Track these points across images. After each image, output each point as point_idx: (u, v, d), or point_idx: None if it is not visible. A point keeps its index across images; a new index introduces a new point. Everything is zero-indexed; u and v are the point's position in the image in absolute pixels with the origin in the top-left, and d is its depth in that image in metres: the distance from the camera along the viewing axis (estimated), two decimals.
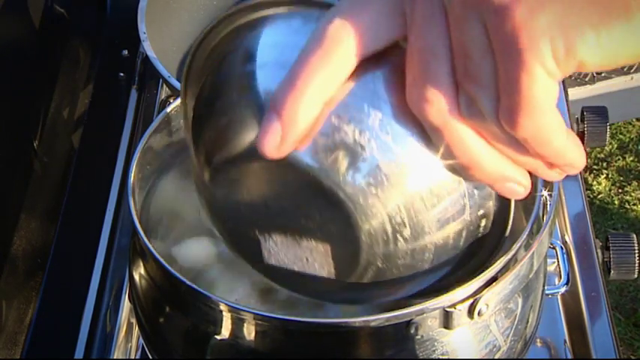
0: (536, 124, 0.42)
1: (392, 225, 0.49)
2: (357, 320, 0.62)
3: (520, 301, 0.67)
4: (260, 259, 0.55)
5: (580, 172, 0.96)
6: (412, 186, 0.48)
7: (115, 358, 0.84)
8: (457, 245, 0.52)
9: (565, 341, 0.84)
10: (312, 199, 0.49)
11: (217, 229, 0.59)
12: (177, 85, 0.94)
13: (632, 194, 1.81)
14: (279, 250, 0.53)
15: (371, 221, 0.48)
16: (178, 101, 0.77)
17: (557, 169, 0.46)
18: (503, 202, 0.53)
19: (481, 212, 0.52)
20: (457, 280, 0.58)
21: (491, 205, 0.52)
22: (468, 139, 0.44)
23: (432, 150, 0.47)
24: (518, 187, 0.47)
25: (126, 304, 0.87)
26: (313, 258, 0.52)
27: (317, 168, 0.47)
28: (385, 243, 0.49)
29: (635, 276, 0.88)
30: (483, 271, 0.58)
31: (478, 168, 0.46)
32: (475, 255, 0.55)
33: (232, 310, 0.63)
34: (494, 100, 0.42)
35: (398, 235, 0.49)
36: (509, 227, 0.54)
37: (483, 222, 0.52)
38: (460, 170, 0.47)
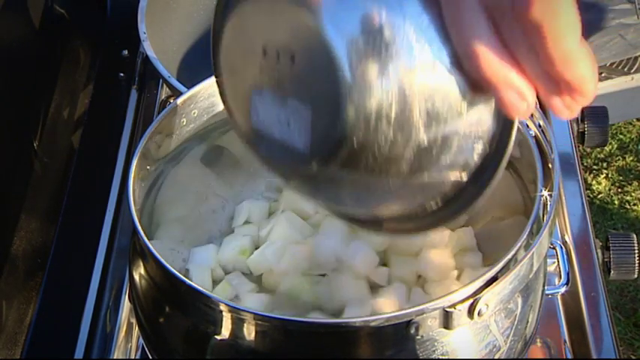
0: (549, 5, 0.41)
1: (380, 97, 0.47)
2: (357, 320, 0.62)
3: (520, 301, 0.67)
4: (247, 119, 0.54)
5: (580, 172, 0.96)
6: (411, 64, 0.46)
7: (115, 358, 0.84)
8: (441, 155, 0.49)
9: (565, 341, 0.84)
10: (309, 51, 0.48)
11: (220, 89, 0.58)
12: (177, 85, 0.94)
13: (632, 194, 1.81)
14: (266, 109, 0.52)
15: (360, 87, 0.47)
16: (178, 101, 0.77)
17: (566, 96, 0.45)
18: (503, 135, 0.51)
19: (477, 131, 0.50)
20: (436, 221, 0.56)
21: (489, 126, 0.50)
22: (480, 19, 0.44)
23: (442, 32, 0.46)
24: (520, 101, 0.46)
25: (126, 304, 0.87)
26: (295, 122, 0.51)
27: (321, 17, 0.46)
28: (367, 119, 0.47)
29: (635, 276, 0.88)
30: (465, 209, 0.55)
31: (484, 58, 0.44)
32: (461, 192, 0.53)
33: (232, 310, 0.63)
34: None
35: (382, 115, 0.47)
36: (502, 165, 0.52)
37: (479, 146, 0.50)
38: (466, 58, 0.46)
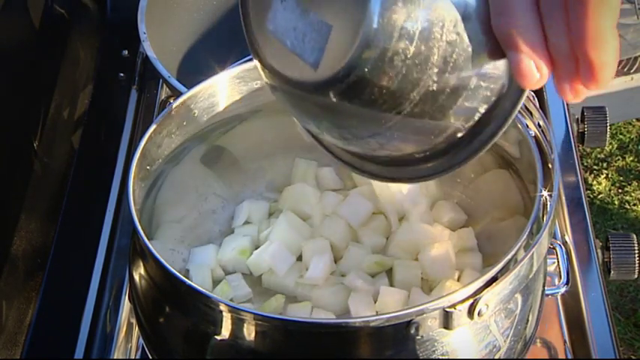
0: None
1: (400, 33, 0.47)
2: (357, 320, 0.62)
3: (520, 301, 0.67)
4: (264, 23, 0.54)
5: (580, 172, 0.96)
6: (441, 10, 0.47)
7: (115, 358, 0.84)
8: (445, 105, 0.50)
9: (565, 341, 0.84)
10: None
11: None
12: (177, 85, 0.94)
13: (632, 194, 1.80)
14: (285, 16, 0.52)
15: (385, 20, 0.47)
16: (179, 101, 0.77)
17: (578, 82, 0.46)
18: (507, 104, 0.51)
19: (486, 92, 0.50)
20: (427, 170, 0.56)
21: (497, 90, 0.50)
22: None
23: None
24: (535, 71, 0.46)
25: (126, 304, 0.87)
26: (311, 37, 0.51)
27: None
28: (384, 50, 0.47)
29: (635, 276, 0.88)
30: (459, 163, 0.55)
31: (516, 20, 0.44)
32: (451, 149, 0.53)
33: (232, 310, 0.63)
34: None
35: (400, 50, 0.47)
36: (498, 133, 0.52)
37: (482, 108, 0.51)
38: (497, 15, 0.46)
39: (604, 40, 0.44)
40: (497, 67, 0.49)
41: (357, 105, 0.50)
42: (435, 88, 0.49)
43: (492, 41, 0.47)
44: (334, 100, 0.50)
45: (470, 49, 0.48)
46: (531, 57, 0.46)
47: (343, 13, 0.49)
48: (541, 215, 0.68)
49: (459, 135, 0.52)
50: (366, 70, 0.48)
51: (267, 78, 0.55)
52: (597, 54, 0.44)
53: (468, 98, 0.50)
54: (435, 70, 0.48)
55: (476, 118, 0.51)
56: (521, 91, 0.50)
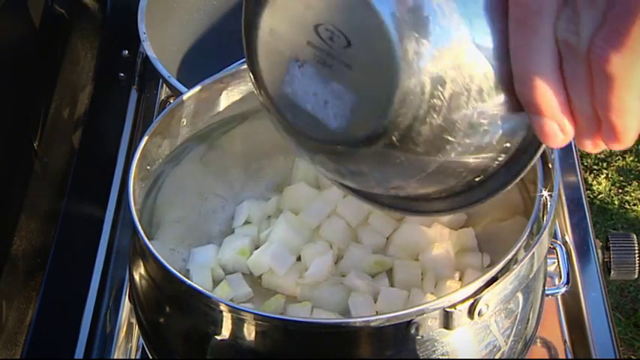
0: (628, 61, 0.41)
1: (428, 105, 0.47)
2: (358, 320, 0.62)
3: (520, 301, 0.67)
4: (279, 83, 0.53)
5: (580, 172, 0.96)
6: (467, 65, 0.46)
7: (115, 358, 0.84)
8: (467, 160, 0.50)
9: (565, 341, 0.84)
10: (368, 43, 0.47)
11: (248, 39, 0.55)
12: (177, 85, 0.94)
13: (632, 194, 1.80)
14: (304, 82, 0.51)
15: (412, 94, 0.46)
16: (178, 101, 0.77)
17: (599, 140, 0.46)
18: (524, 156, 0.51)
19: (507, 144, 0.50)
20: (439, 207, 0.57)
21: (519, 139, 0.50)
22: (549, 51, 0.44)
23: (501, 50, 0.46)
24: (559, 132, 0.46)
25: (126, 304, 0.87)
26: (334, 104, 0.50)
27: (378, 6, 0.46)
28: (412, 121, 0.47)
29: (636, 276, 0.88)
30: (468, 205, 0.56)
31: (539, 89, 0.44)
32: (467, 191, 0.54)
33: (232, 310, 0.63)
34: (598, 21, 0.41)
35: (427, 120, 0.47)
36: (513, 183, 0.53)
37: (502, 157, 0.51)
38: (520, 82, 0.45)
39: (628, 111, 0.44)
40: (519, 122, 0.49)
41: (377, 163, 0.51)
42: (459, 152, 0.49)
43: (514, 100, 0.47)
44: (357, 158, 0.51)
45: (494, 112, 0.48)
46: (555, 120, 0.46)
47: (368, 84, 0.48)
48: (541, 215, 0.68)
49: (477, 179, 0.53)
50: (393, 138, 0.48)
51: (280, 131, 0.56)
52: (621, 122, 0.44)
53: (489, 151, 0.50)
54: (461, 134, 0.48)
55: (495, 164, 0.52)
56: (538, 146, 0.51)
